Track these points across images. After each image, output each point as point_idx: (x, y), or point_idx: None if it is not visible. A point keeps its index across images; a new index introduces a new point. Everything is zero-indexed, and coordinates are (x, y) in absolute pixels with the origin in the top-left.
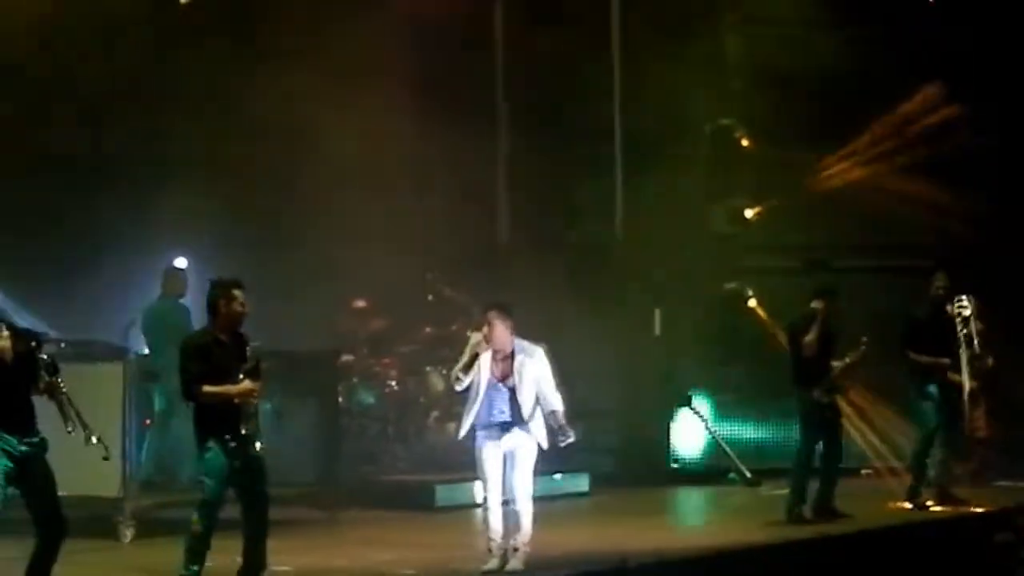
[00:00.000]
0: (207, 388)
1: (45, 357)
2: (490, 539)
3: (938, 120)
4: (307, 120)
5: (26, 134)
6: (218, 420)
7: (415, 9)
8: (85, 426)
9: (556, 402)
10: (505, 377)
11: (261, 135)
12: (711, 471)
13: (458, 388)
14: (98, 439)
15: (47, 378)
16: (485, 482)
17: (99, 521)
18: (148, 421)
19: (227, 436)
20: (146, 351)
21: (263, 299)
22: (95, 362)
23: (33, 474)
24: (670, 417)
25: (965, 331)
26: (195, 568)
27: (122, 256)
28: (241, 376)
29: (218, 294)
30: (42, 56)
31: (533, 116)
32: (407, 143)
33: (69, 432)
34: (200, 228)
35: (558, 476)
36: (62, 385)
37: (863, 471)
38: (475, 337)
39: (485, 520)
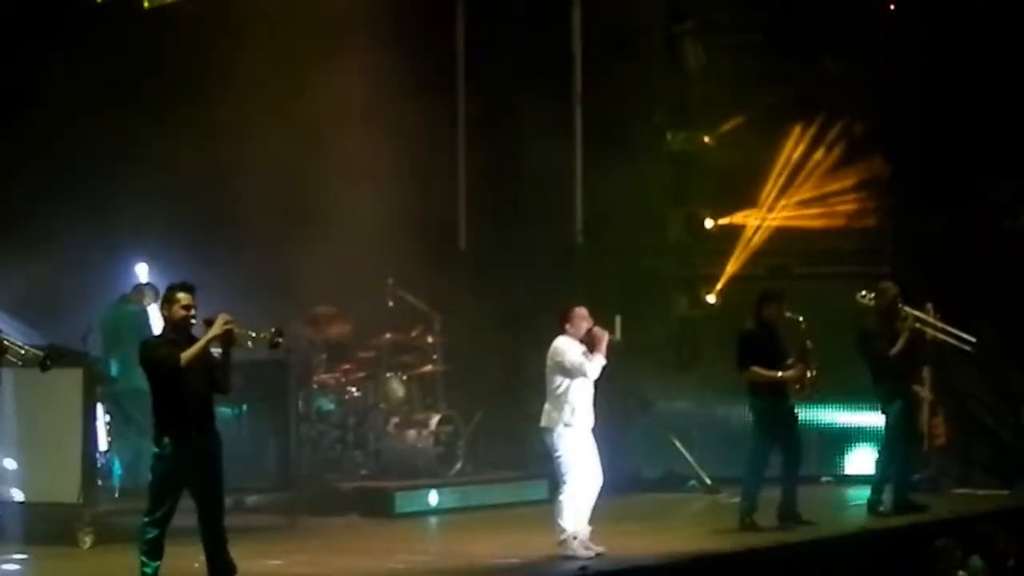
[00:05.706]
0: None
1: None
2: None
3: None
4: (265, 126)
5: None
6: (174, 417)
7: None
8: (31, 353)
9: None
10: None
11: (216, 136)
12: (670, 478)
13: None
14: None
15: None
16: None
17: (58, 527)
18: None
19: (181, 433)
20: (102, 356)
21: (219, 303)
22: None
23: None
24: (629, 423)
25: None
26: (149, 572)
27: (81, 261)
28: None
29: (164, 298)
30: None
31: (494, 119)
32: (366, 149)
33: (20, 365)
34: (159, 232)
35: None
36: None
37: (823, 478)
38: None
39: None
